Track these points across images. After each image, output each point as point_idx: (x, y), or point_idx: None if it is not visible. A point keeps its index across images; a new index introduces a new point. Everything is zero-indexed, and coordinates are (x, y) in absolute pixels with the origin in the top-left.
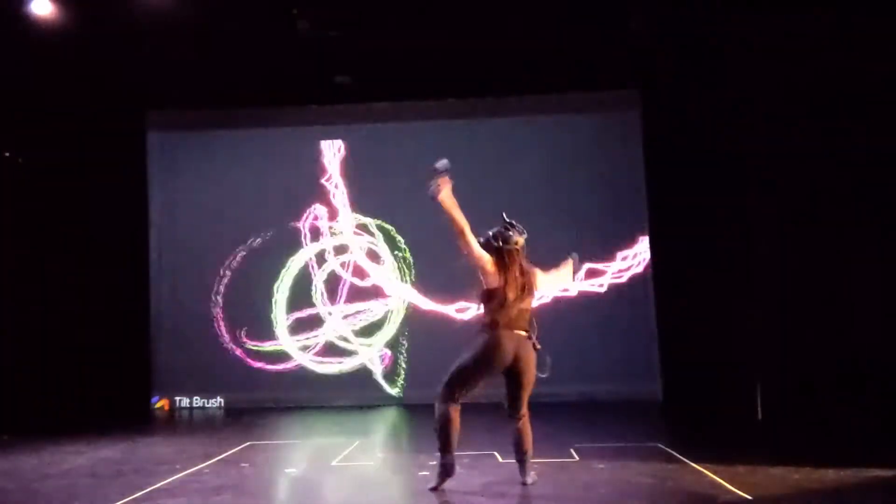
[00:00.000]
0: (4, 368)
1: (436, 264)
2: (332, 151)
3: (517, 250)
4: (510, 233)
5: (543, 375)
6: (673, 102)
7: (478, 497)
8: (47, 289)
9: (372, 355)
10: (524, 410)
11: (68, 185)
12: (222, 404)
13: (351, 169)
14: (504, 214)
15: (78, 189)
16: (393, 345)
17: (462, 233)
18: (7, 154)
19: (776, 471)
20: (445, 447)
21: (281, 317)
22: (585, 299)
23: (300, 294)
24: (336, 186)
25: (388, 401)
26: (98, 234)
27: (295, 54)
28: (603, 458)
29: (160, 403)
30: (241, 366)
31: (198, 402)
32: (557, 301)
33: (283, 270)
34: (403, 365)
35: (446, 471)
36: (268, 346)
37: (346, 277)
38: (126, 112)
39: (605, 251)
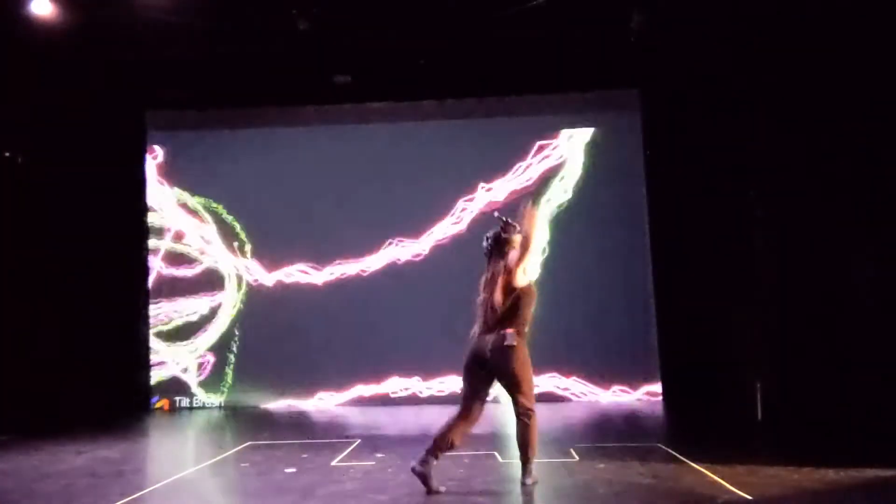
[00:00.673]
0: (4, 369)
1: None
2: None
3: (513, 248)
4: (505, 234)
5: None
6: (673, 102)
7: (478, 497)
8: (47, 289)
9: (189, 362)
10: (528, 408)
11: (68, 184)
12: (222, 404)
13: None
14: (496, 213)
15: (78, 189)
16: (220, 347)
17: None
18: (7, 154)
19: (776, 471)
20: (428, 450)
21: None
22: (585, 298)
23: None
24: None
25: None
26: (98, 234)
27: (295, 54)
28: (603, 458)
29: (160, 403)
30: (241, 366)
31: (198, 402)
32: (557, 301)
33: None
34: (231, 369)
35: (415, 473)
36: None
37: (156, 266)
38: (126, 112)
39: (604, 251)
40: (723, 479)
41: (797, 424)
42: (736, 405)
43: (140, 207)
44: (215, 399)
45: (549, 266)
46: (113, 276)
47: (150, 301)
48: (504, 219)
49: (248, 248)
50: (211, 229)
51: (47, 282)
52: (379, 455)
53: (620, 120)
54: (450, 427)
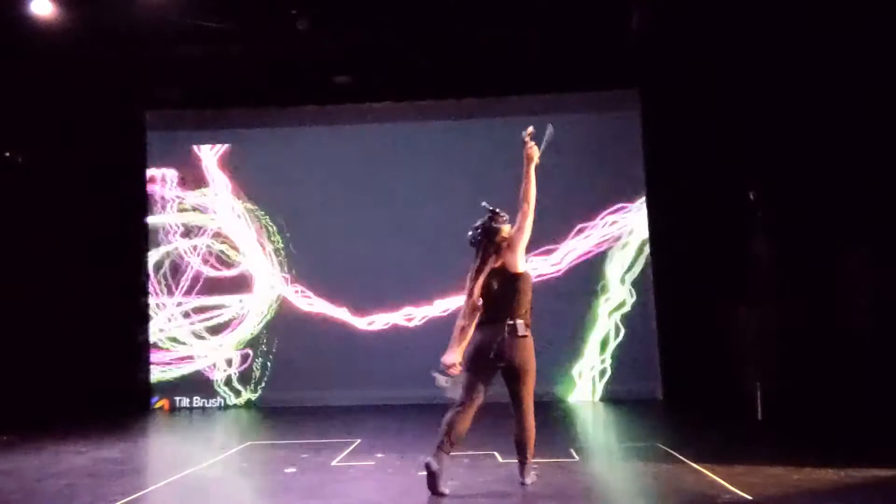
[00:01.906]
0: (5, 369)
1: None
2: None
3: (504, 238)
4: (496, 224)
5: (443, 385)
6: (673, 102)
7: (478, 497)
8: (47, 289)
9: (223, 356)
10: (526, 406)
11: (68, 184)
12: (222, 404)
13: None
14: (485, 204)
15: (78, 189)
16: (253, 345)
17: (467, 317)
18: (7, 154)
19: (776, 471)
20: (440, 446)
21: None
22: (585, 298)
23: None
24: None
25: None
26: (98, 234)
27: (295, 54)
28: (603, 458)
29: (160, 403)
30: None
31: (198, 402)
32: (557, 300)
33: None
34: (267, 366)
35: (429, 470)
36: None
37: (194, 264)
38: (126, 112)
39: (604, 250)
40: (723, 479)
41: (797, 424)
42: (736, 405)
43: (140, 206)
44: (243, 396)
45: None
46: (113, 276)
47: (191, 295)
48: (492, 209)
49: (281, 251)
50: (249, 233)
51: (47, 282)
52: (379, 455)
53: (620, 120)
54: (459, 418)
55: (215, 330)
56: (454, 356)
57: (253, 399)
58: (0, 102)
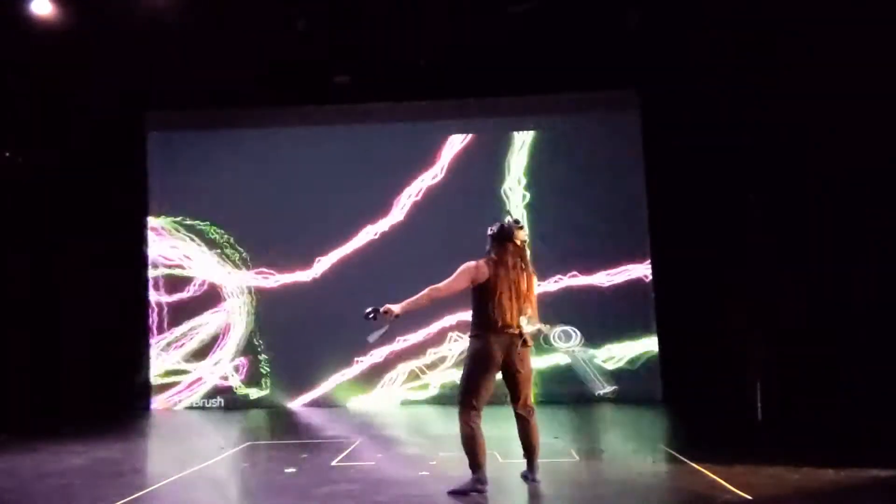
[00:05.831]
0: (4, 368)
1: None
2: None
3: (517, 245)
4: (515, 229)
5: (370, 340)
6: (673, 102)
7: (479, 497)
8: (47, 289)
9: (224, 370)
10: (529, 405)
11: (68, 184)
12: (222, 404)
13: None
14: (510, 213)
15: (78, 189)
16: (247, 348)
17: (435, 297)
18: (7, 154)
19: (776, 471)
20: (476, 464)
21: None
22: (586, 299)
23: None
24: None
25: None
26: (98, 234)
27: (295, 54)
28: (603, 458)
29: (160, 403)
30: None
31: (198, 402)
32: (558, 299)
33: None
34: (267, 367)
35: (478, 487)
36: None
37: (156, 298)
38: (126, 112)
39: (605, 252)
40: (723, 479)
41: (797, 424)
42: (736, 405)
43: (140, 206)
44: (256, 393)
45: (551, 267)
46: (112, 276)
47: (164, 330)
48: (515, 219)
49: (246, 258)
50: (199, 248)
51: (46, 281)
52: (379, 455)
53: (620, 120)
54: (479, 431)
55: (204, 350)
56: (399, 310)
57: (268, 394)
58: (0, 102)
